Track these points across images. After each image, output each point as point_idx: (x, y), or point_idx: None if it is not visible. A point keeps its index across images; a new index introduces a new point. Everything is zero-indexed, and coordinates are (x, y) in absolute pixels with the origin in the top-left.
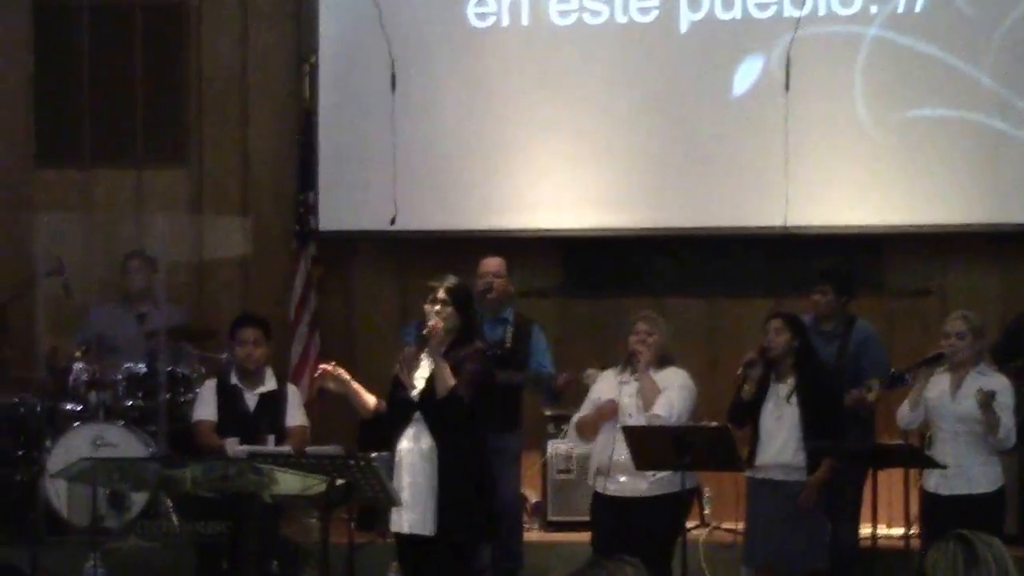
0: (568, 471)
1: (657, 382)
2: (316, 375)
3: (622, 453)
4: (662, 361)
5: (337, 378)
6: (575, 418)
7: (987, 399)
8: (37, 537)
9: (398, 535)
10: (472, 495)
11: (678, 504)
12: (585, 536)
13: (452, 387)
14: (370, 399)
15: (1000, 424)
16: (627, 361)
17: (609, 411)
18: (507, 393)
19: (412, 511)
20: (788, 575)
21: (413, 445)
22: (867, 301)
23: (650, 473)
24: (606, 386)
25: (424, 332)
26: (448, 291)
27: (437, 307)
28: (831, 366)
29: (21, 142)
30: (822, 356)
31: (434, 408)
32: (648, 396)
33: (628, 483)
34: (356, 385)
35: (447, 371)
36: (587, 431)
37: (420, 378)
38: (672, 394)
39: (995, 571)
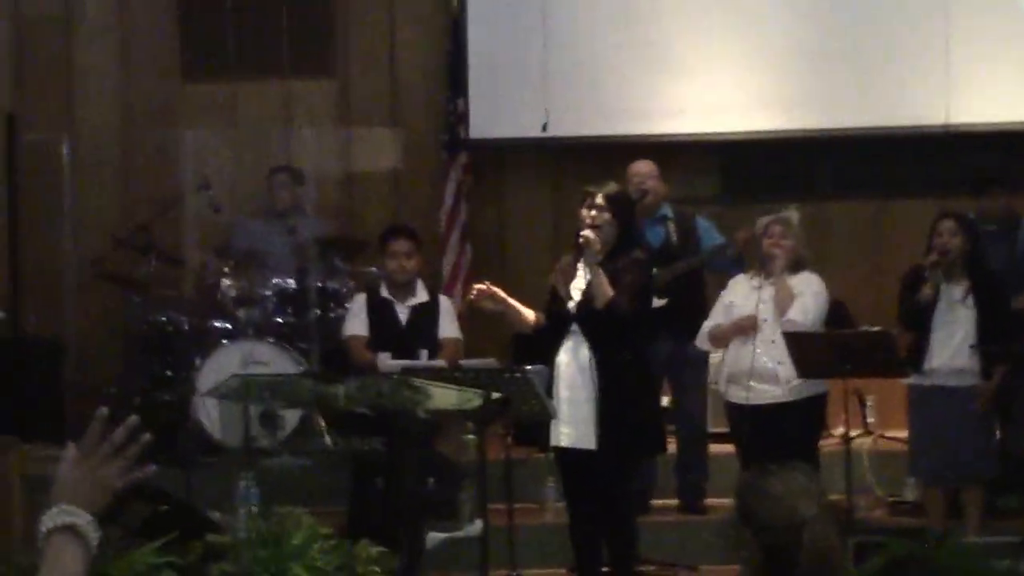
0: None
1: (792, 287)
2: (472, 295)
3: (759, 361)
4: (796, 265)
5: (493, 297)
6: (707, 325)
7: None
8: (188, 458)
9: (557, 449)
10: (633, 408)
11: (816, 408)
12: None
13: (610, 298)
14: (529, 314)
15: None
16: (761, 265)
17: (748, 326)
18: (690, 293)
19: (571, 425)
20: (957, 483)
21: (571, 358)
22: None
23: (785, 379)
24: (740, 291)
25: (580, 241)
26: (606, 198)
27: (593, 213)
28: (998, 268)
29: (166, 57)
30: (988, 258)
31: (591, 320)
32: (783, 301)
33: (765, 390)
34: (513, 302)
35: (604, 282)
36: (721, 341)
37: (576, 289)
38: (807, 299)
39: None
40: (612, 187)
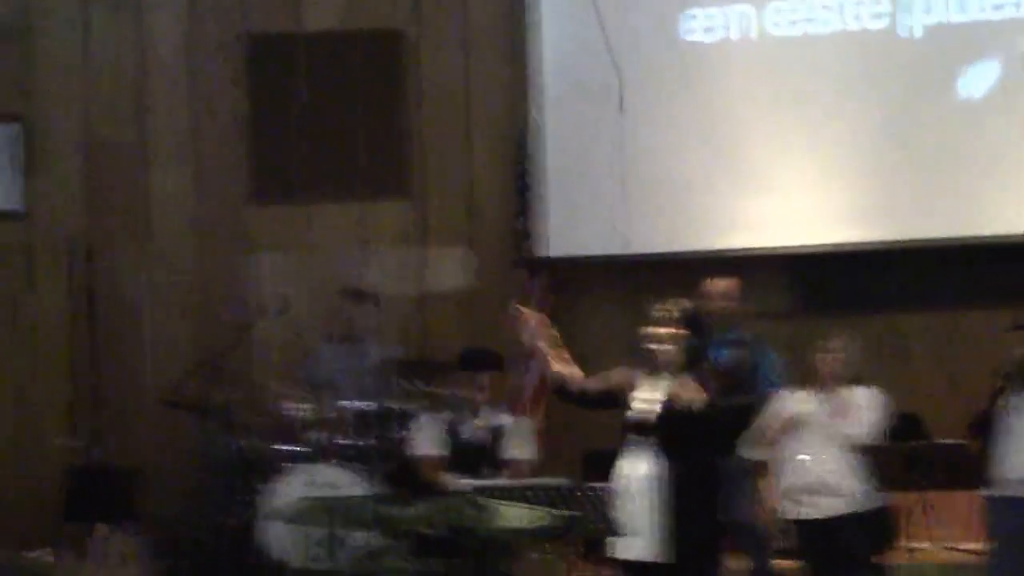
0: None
1: (848, 399)
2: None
3: (814, 474)
4: (853, 379)
5: (531, 326)
6: (756, 428)
7: None
8: None
9: (625, 563)
10: (704, 518)
11: (879, 520)
12: None
13: (704, 402)
14: (569, 370)
15: None
16: (820, 379)
17: (793, 425)
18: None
19: (642, 536)
20: None
21: (638, 469)
22: None
23: (847, 492)
24: (792, 403)
25: (657, 356)
26: (682, 312)
27: (671, 330)
28: None
29: (240, 182)
30: None
31: (674, 426)
32: (839, 412)
33: (824, 504)
34: (546, 349)
35: (691, 385)
36: (768, 443)
37: (641, 400)
38: (865, 412)
39: None
40: (686, 304)
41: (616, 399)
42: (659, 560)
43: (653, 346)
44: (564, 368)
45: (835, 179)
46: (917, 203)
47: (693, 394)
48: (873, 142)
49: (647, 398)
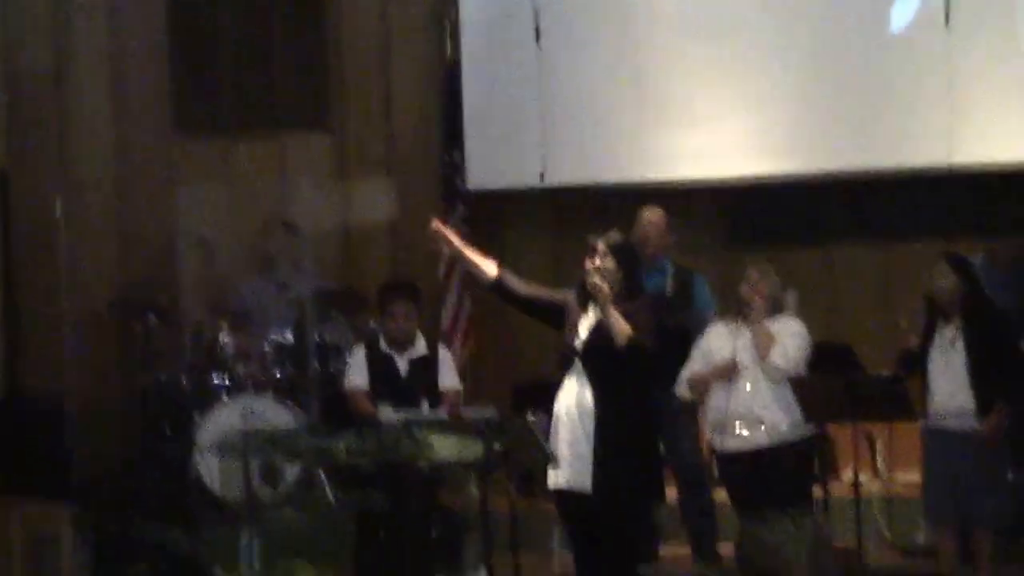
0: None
1: (771, 331)
2: (431, 232)
3: (741, 407)
4: (775, 309)
5: (446, 239)
6: (686, 373)
7: None
8: (191, 514)
9: (556, 492)
10: (633, 452)
11: (806, 452)
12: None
13: (631, 336)
14: (487, 266)
15: None
16: (739, 310)
17: (728, 371)
18: (682, 346)
19: (570, 467)
20: (969, 527)
21: (573, 399)
22: None
23: (768, 424)
24: (718, 338)
25: (588, 289)
26: (609, 246)
27: (597, 262)
28: (1008, 310)
29: (159, 112)
30: (1002, 301)
31: (604, 358)
32: (763, 345)
33: (748, 437)
34: (468, 252)
35: (622, 321)
36: (701, 387)
37: (581, 329)
38: (788, 342)
39: None
40: (614, 236)
41: (553, 315)
42: (589, 491)
43: (586, 278)
44: (489, 266)
45: (763, 110)
46: (846, 134)
47: (619, 326)
48: (801, 72)
49: (580, 328)
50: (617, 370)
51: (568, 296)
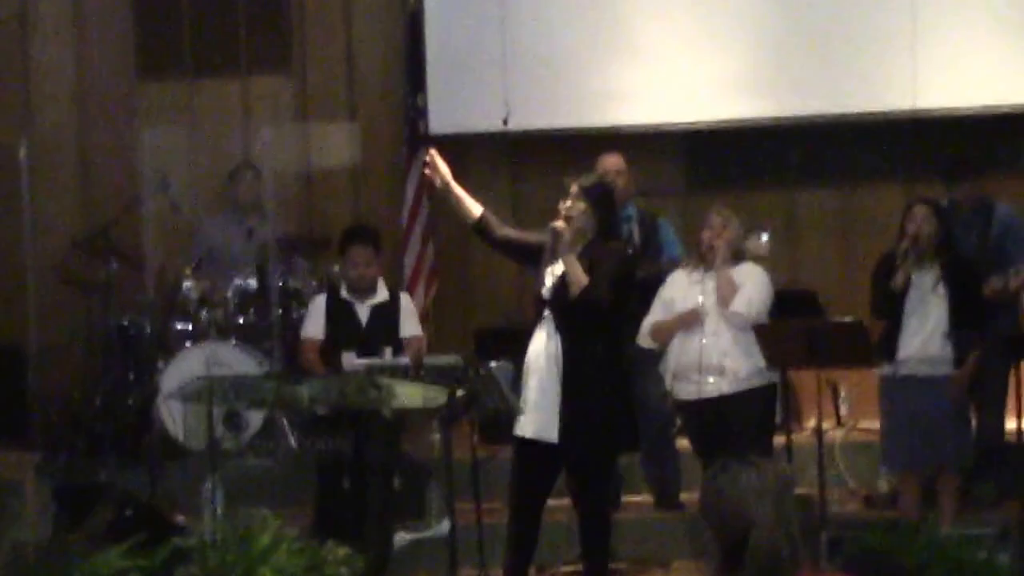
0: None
1: (733, 278)
2: (427, 159)
3: (704, 354)
4: (737, 256)
5: (439, 170)
6: (648, 321)
7: None
8: (153, 461)
9: (518, 440)
10: (599, 402)
11: (768, 398)
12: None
13: (586, 286)
14: (473, 206)
15: None
16: (701, 258)
17: (691, 321)
18: (648, 292)
19: (537, 416)
20: (931, 473)
21: (542, 346)
22: (1006, 184)
23: (732, 371)
24: (680, 286)
25: (554, 229)
26: (581, 188)
27: (568, 204)
28: (972, 254)
29: (123, 56)
30: (962, 244)
31: (564, 307)
32: (725, 293)
33: (712, 384)
34: (458, 189)
35: (579, 270)
36: (663, 336)
37: (551, 275)
38: (750, 290)
39: None
40: (589, 178)
41: (532, 257)
42: (554, 441)
43: (555, 222)
44: (475, 206)
45: (725, 55)
46: (809, 78)
47: (574, 274)
48: (764, 15)
49: (548, 275)
50: (578, 319)
51: (542, 239)
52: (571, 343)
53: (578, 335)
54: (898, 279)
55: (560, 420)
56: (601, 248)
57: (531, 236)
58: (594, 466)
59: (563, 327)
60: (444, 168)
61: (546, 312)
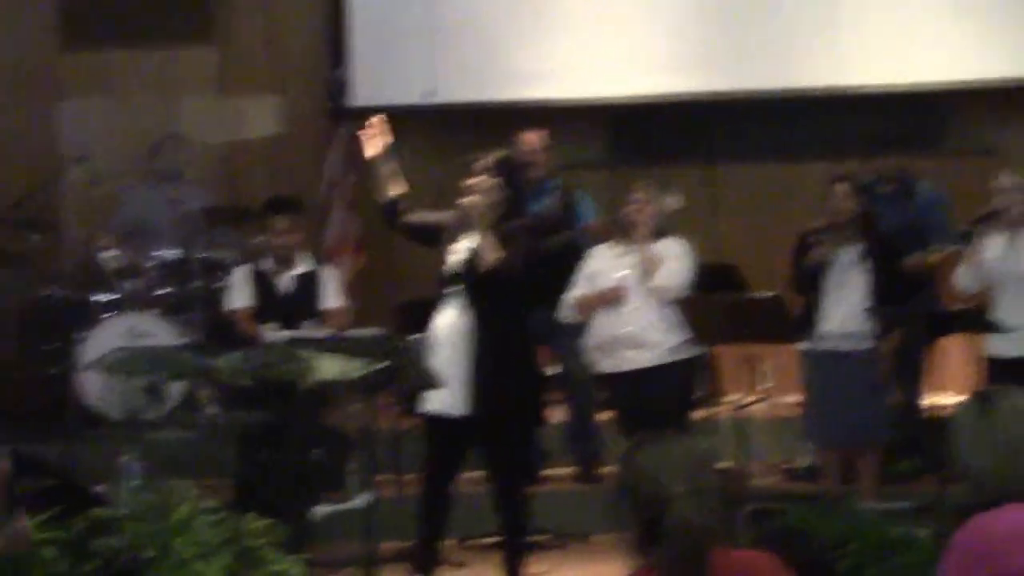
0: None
1: (656, 253)
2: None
3: (626, 328)
4: (659, 231)
5: (375, 140)
6: (572, 295)
7: None
8: (71, 432)
9: (428, 416)
10: (509, 377)
11: (688, 372)
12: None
13: (500, 259)
14: (396, 186)
15: None
16: (623, 232)
17: (614, 297)
18: (568, 264)
19: (445, 390)
20: (851, 448)
21: (450, 321)
22: (928, 162)
23: (651, 344)
24: (602, 260)
25: (464, 206)
26: (494, 163)
27: (479, 179)
28: (893, 231)
29: (44, 28)
30: (883, 221)
31: (475, 281)
32: (649, 267)
33: (633, 357)
34: (387, 166)
35: (492, 243)
36: (586, 311)
37: (456, 251)
38: (672, 264)
39: (1010, 419)
40: (499, 154)
41: (437, 239)
42: (464, 414)
43: (465, 199)
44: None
45: (652, 29)
46: (733, 54)
47: (492, 251)
48: None
49: (459, 249)
50: (490, 293)
51: (451, 217)
52: (482, 317)
53: (489, 309)
54: (817, 255)
55: (472, 394)
56: (512, 222)
57: (439, 217)
58: (506, 440)
59: (475, 301)
60: (382, 140)
61: (451, 288)
